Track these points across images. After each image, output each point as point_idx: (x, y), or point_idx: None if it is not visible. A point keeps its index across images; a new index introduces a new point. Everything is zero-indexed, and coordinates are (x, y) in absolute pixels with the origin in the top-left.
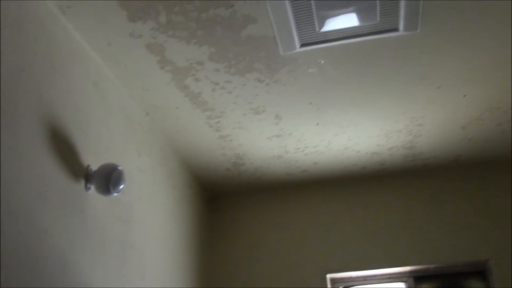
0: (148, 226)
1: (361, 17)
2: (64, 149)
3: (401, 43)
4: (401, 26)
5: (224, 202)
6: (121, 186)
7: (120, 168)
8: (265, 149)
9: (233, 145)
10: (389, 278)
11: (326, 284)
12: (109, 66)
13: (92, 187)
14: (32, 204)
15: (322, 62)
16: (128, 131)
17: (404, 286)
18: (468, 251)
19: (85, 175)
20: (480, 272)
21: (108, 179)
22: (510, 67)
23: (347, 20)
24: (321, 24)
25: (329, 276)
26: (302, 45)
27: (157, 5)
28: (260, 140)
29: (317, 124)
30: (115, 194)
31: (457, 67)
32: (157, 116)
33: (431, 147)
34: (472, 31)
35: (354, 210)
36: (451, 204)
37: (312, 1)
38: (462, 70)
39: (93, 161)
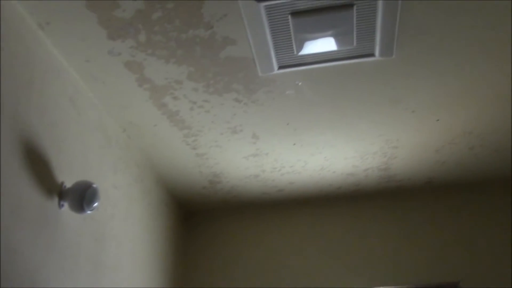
0: (121, 244)
1: (338, 42)
2: (38, 165)
3: (377, 68)
4: (377, 51)
5: (199, 220)
6: (95, 204)
7: (94, 185)
8: (242, 168)
9: (209, 164)
10: None
11: None
12: (87, 82)
13: (66, 205)
14: (3, 221)
15: (300, 84)
16: (104, 147)
17: None
18: (440, 272)
19: (58, 192)
20: None
21: (82, 196)
22: (481, 94)
23: (325, 44)
24: (299, 47)
25: None
26: (280, 67)
27: (137, 24)
28: (237, 159)
29: (294, 144)
30: (89, 212)
31: (430, 92)
32: (134, 133)
33: (405, 169)
34: (445, 59)
35: (329, 230)
36: (424, 225)
37: (290, 25)
38: (436, 95)
39: (68, 178)
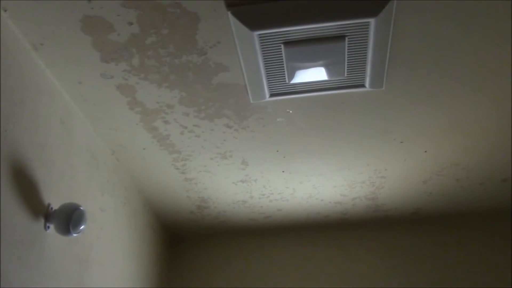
0: (106, 267)
1: (329, 72)
2: (26, 186)
3: (367, 98)
4: (367, 83)
5: (186, 245)
6: (82, 227)
7: (81, 208)
8: (230, 194)
9: (198, 188)
10: None
11: None
12: (78, 104)
13: (52, 227)
14: None
15: (291, 112)
16: (92, 169)
17: None
18: None
19: (45, 214)
20: None
21: (68, 219)
22: (468, 127)
23: (316, 74)
24: (291, 76)
25: None
26: (272, 95)
27: (131, 48)
28: (226, 184)
29: (283, 171)
30: (75, 234)
31: (419, 124)
32: (123, 155)
33: (392, 199)
34: (433, 92)
35: (315, 258)
36: (411, 256)
37: (283, 54)
38: (424, 127)
39: (55, 200)
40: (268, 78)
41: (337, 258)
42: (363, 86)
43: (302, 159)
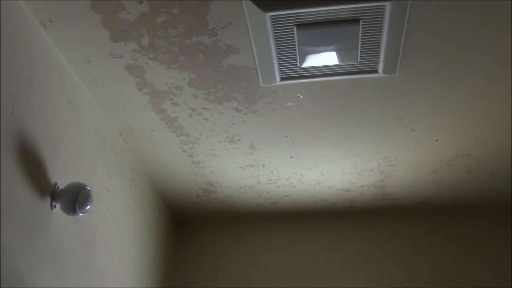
0: (111, 248)
1: (342, 57)
2: (32, 164)
3: (379, 84)
4: (380, 68)
5: (191, 228)
6: (88, 207)
7: (88, 188)
8: (237, 178)
9: (205, 172)
10: None
11: None
12: (86, 84)
13: (58, 206)
14: None
15: (301, 96)
16: (99, 150)
17: None
18: None
19: (51, 193)
20: None
21: (75, 198)
22: (480, 118)
23: (328, 58)
24: (303, 60)
25: None
26: (282, 79)
27: (141, 28)
28: (233, 168)
29: (291, 157)
30: (81, 214)
31: (431, 112)
32: (130, 137)
33: (401, 188)
34: (447, 81)
35: (321, 245)
36: (418, 246)
37: (295, 37)
38: (436, 116)
39: (61, 179)
40: (279, 61)
41: (343, 246)
42: (376, 72)
43: (311, 145)
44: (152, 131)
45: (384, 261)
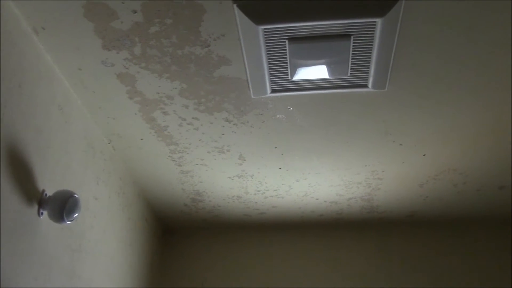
0: (98, 256)
1: (332, 71)
2: (20, 170)
3: (369, 99)
4: (370, 83)
5: (178, 238)
6: (76, 215)
7: (76, 195)
8: (226, 188)
9: (193, 181)
10: None
11: None
12: (77, 91)
13: (45, 213)
14: None
15: (291, 109)
16: (88, 157)
17: None
18: None
19: (39, 200)
20: None
21: (62, 206)
22: (468, 133)
23: (319, 72)
24: (293, 73)
25: None
26: (273, 91)
27: (134, 37)
28: (222, 179)
29: (280, 168)
30: (69, 222)
31: (419, 127)
32: (120, 145)
33: (388, 201)
34: (435, 96)
35: (308, 257)
36: (403, 260)
37: (287, 50)
38: (424, 131)
39: (49, 186)
40: (271, 73)
41: (329, 257)
42: (365, 86)
43: (299, 157)
44: (141, 139)
45: (370, 273)
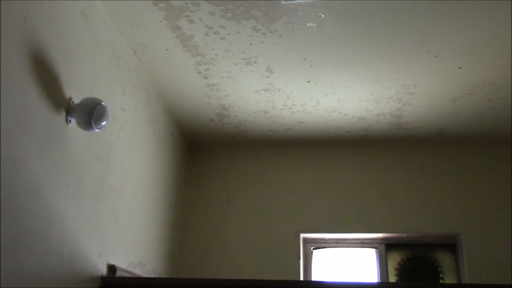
0: (126, 167)
1: None
2: (46, 77)
3: (404, 7)
4: None
5: (203, 153)
6: (104, 122)
7: (103, 103)
8: (252, 103)
9: (219, 95)
10: (361, 243)
11: (299, 243)
12: None
13: (73, 121)
14: (8, 130)
15: (322, 16)
16: (113, 67)
17: (374, 253)
18: (441, 223)
19: (66, 108)
20: (450, 245)
21: (90, 113)
22: (507, 46)
23: None
24: None
25: (302, 235)
26: None
27: None
28: (248, 92)
29: (308, 81)
30: (97, 130)
31: (456, 38)
32: (144, 56)
33: (418, 118)
34: (475, 5)
35: (333, 173)
36: (430, 176)
37: None
38: (461, 42)
39: (76, 94)
40: None
41: (355, 175)
42: None
43: (329, 69)
44: (166, 50)
45: (395, 189)
